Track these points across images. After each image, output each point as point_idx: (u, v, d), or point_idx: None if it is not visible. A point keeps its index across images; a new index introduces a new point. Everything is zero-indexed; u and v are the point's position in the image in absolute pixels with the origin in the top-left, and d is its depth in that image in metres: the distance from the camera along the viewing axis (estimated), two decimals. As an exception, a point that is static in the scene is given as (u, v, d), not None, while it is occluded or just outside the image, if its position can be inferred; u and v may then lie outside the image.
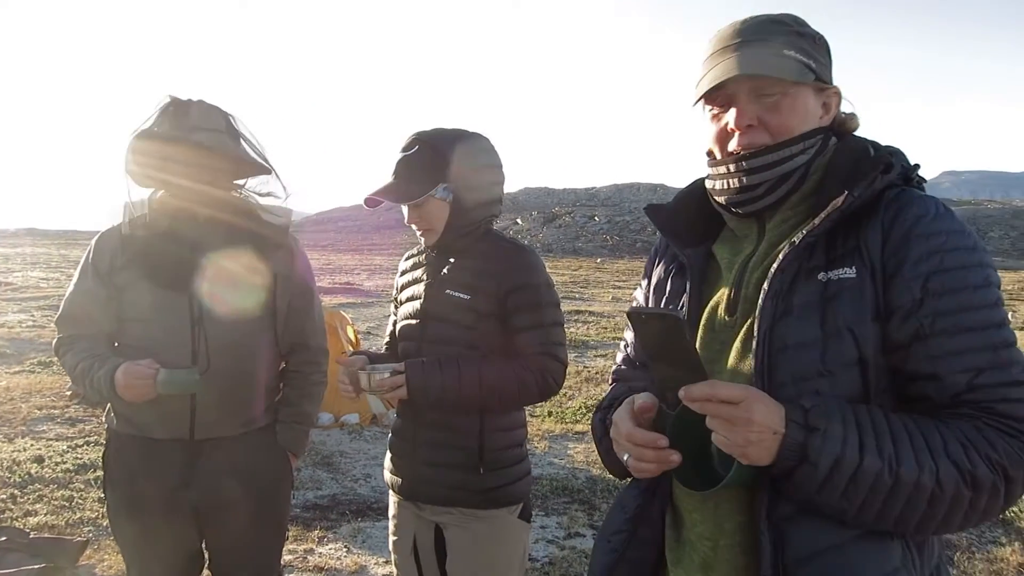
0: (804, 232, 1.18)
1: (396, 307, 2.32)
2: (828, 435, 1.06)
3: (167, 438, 2.15)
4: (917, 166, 1.26)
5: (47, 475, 4.99)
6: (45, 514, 4.37)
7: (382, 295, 19.06)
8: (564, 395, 7.78)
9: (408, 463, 2.16)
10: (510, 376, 2.04)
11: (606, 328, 14.19)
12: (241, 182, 2.27)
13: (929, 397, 1.12)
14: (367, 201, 2.10)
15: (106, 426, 2.29)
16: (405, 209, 2.11)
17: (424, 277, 2.19)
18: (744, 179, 1.25)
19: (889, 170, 1.19)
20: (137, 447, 2.18)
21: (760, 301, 1.19)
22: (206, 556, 2.35)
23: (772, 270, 1.19)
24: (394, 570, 2.32)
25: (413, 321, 2.17)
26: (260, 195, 2.28)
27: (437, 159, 2.05)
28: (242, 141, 2.19)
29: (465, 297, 2.08)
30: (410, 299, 2.22)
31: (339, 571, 3.90)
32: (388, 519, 2.31)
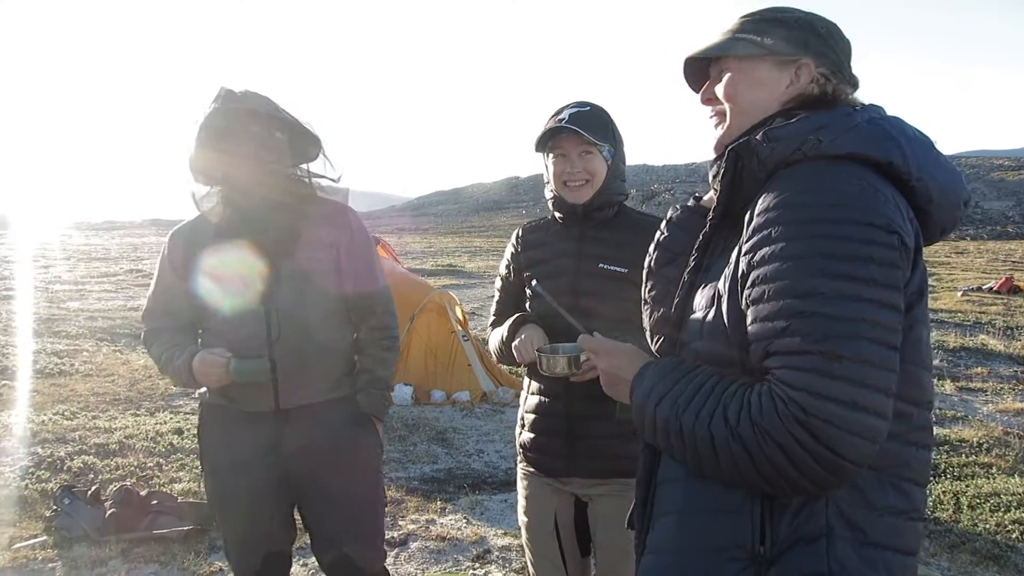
0: (709, 216, 1.34)
1: (525, 283, 2.25)
2: (641, 385, 1.28)
3: (256, 410, 2.25)
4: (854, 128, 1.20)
5: (187, 446, 5.36)
6: (188, 481, 4.70)
7: (484, 276, 19.32)
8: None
9: (560, 440, 2.14)
10: None
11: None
12: (302, 165, 2.34)
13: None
14: (548, 135, 2.11)
15: (199, 401, 2.42)
16: (551, 164, 2.14)
17: (569, 250, 2.17)
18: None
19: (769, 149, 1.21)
20: (229, 417, 2.29)
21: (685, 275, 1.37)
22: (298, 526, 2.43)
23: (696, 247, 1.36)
24: (523, 544, 2.33)
25: (560, 297, 2.09)
26: (315, 175, 2.34)
27: (607, 122, 2.13)
28: (292, 119, 2.24)
29: (622, 270, 2.08)
30: (551, 275, 2.16)
31: (460, 540, 4.03)
32: (509, 495, 2.33)
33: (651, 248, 1.47)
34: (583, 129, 2.05)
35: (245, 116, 2.14)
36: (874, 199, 1.13)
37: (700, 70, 1.43)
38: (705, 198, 1.45)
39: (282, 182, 2.24)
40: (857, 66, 1.36)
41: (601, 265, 2.10)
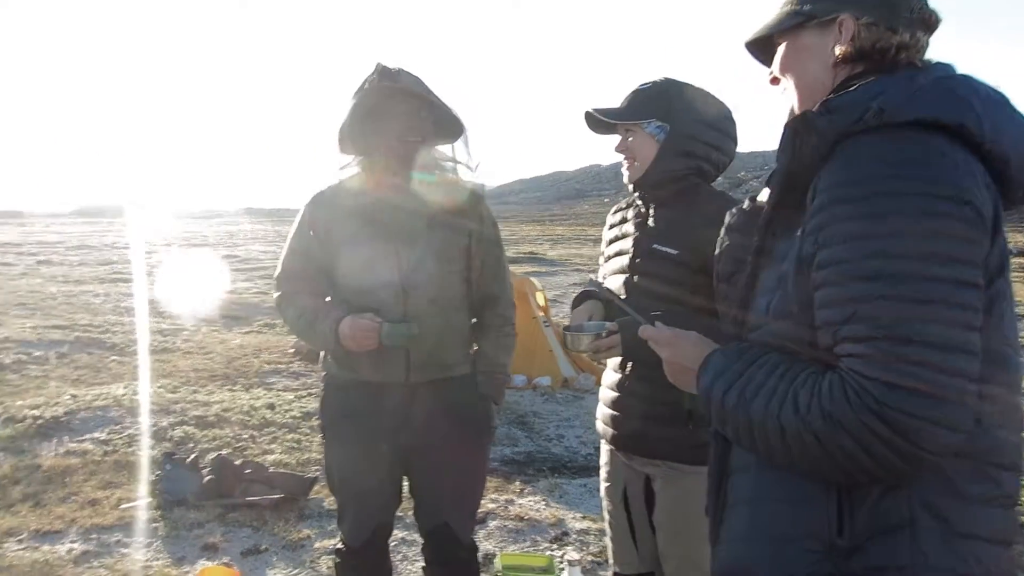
0: (768, 194, 1.27)
1: (604, 262, 2.32)
2: (707, 374, 1.23)
3: (385, 382, 2.30)
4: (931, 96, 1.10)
5: (278, 420, 5.60)
6: (279, 453, 4.91)
7: (566, 264, 19.32)
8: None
9: (620, 415, 2.16)
10: None
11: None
12: (444, 148, 2.39)
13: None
14: (587, 116, 2.14)
15: (323, 372, 2.46)
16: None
17: (632, 231, 2.18)
18: None
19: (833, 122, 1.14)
20: (357, 390, 2.33)
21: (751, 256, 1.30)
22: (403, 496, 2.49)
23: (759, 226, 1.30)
24: (605, 518, 2.35)
25: (621, 276, 2.15)
26: (455, 160, 2.39)
27: (662, 98, 2.08)
28: (439, 103, 2.30)
29: (672, 252, 2.05)
30: (618, 254, 2.21)
31: (539, 522, 4.06)
32: (588, 480, 2.35)
33: (716, 253, 1.41)
34: (626, 107, 2.09)
35: (396, 93, 2.22)
36: (942, 167, 1.05)
37: (772, 51, 1.38)
38: (760, 197, 1.38)
39: (422, 162, 2.31)
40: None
41: (655, 246, 2.08)
